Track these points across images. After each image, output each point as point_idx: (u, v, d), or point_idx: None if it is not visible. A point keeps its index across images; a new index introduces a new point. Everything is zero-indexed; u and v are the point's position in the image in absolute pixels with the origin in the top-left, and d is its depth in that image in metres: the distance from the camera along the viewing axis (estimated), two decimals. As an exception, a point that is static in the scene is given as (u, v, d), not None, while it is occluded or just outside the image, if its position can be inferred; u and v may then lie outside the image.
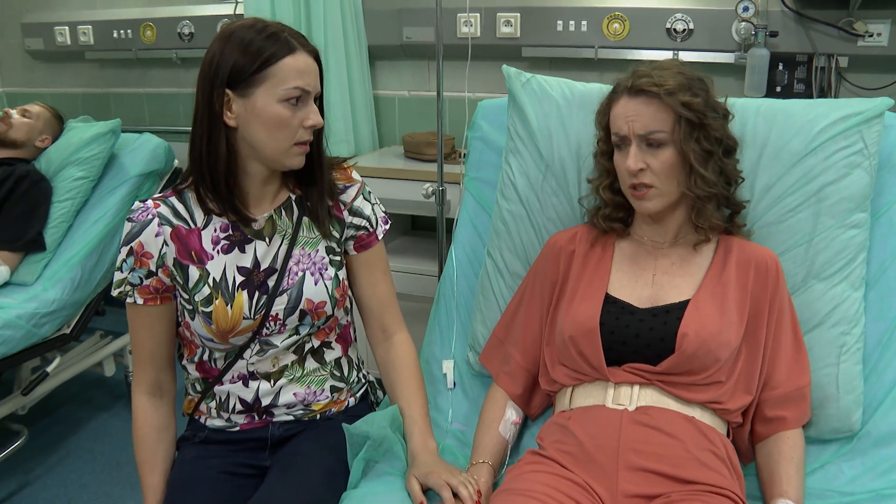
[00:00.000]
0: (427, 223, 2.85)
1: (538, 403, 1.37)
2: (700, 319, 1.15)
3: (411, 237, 2.80)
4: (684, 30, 2.27)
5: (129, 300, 1.26)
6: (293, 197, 1.32)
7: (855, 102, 1.33)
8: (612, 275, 1.27)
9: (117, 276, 1.26)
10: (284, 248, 1.29)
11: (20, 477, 2.26)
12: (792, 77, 2.16)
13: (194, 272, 1.24)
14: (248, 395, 1.32)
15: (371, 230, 1.37)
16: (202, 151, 1.20)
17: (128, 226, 1.24)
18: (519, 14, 2.50)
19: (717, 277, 1.21)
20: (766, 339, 1.20)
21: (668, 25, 2.28)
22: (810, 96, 2.16)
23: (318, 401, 1.36)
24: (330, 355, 1.38)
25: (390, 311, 1.41)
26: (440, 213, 2.07)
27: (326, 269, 1.31)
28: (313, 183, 1.30)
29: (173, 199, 1.26)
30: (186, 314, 1.27)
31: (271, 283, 1.27)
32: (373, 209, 1.38)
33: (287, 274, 1.28)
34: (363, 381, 1.48)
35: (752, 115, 1.36)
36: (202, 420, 1.37)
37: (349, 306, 1.41)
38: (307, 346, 1.34)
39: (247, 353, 1.30)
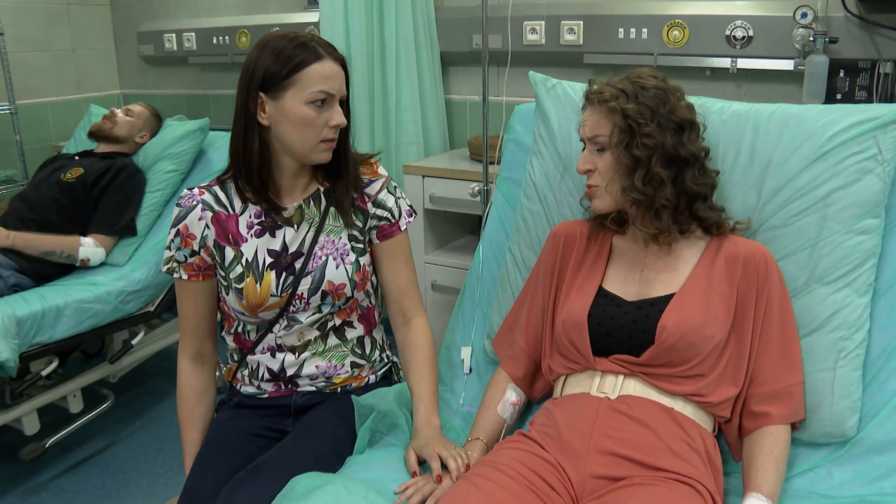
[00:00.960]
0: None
1: (540, 387, 1.44)
2: (681, 312, 1.19)
3: (477, 237, 2.89)
4: (744, 37, 2.26)
5: (175, 276, 1.43)
6: (322, 189, 1.45)
7: (872, 108, 1.33)
8: (607, 270, 1.33)
9: (166, 254, 1.43)
10: (311, 234, 1.42)
11: (109, 437, 2.53)
12: (853, 84, 2.11)
13: (229, 252, 1.40)
14: (275, 365, 1.46)
15: (393, 221, 1.48)
16: (239, 148, 1.36)
17: (176, 210, 1.41)
18: (582, 22, 2.56)
19: (704, 272, 1.25)
20: (753, 333, 1.23)
21: (728, 32, 2.28)
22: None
23: (339, 374, 1.48)
24: (351, 333, 1.50)
25: (410, 297, 1.52)
26: (485, 211, 2.15)
27: (348, 255, 1.43)
28: (340, 176, 1.43)
29: (216, 188, 1.42)
30: (223, 290, 1.43)
31: (298, 265, 1.41)
32: (396, 202, 1.49)
33: (312, 258, 1.41)
34: (386, 361, 1.59)
35: (765, 120, 1.38)
36: (238, 387, 1.52)
37: (371, 290, 1.53)
38: (329, 324, 1.47)
39: (276, 328, 1.44)
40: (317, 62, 1.31)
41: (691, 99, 1.33)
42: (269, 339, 1.45)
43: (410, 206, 1.53)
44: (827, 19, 2.14)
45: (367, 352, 1.53)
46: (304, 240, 1.42)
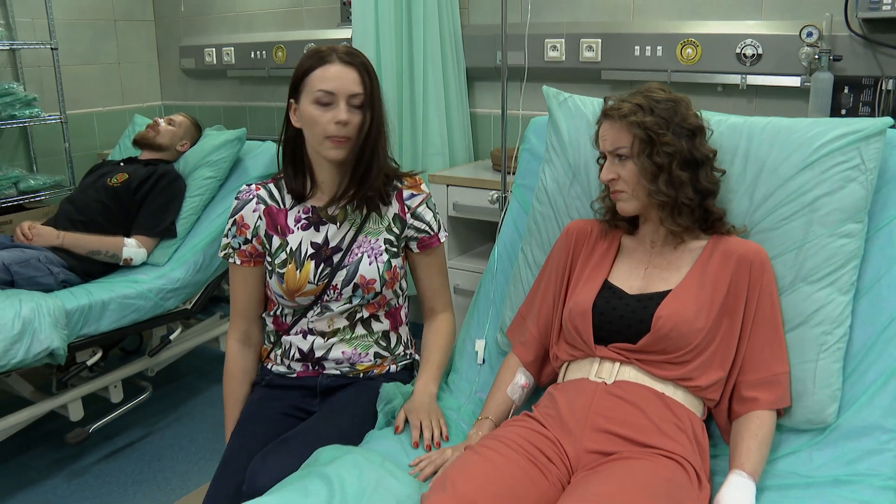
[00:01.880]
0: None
1: (548, 373, 1.55)
2: (676, 305, 1.31)
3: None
4: (753, 55, 2.36)
5: (230, 260, 1.60)
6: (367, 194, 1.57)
7: (857, 121, 1.43)
8: (614, 265, 1.45)
9: (223, 241, 1.61)
10: (352, 233, 1.57)
11: (146, 427, 2.69)
12: (857, 100, 2.21)
13: (276, 241, 1.57)
14: (305, 346, 1.60)
15: (433, 234, 1.63)
16: (284, 149, 1.55)
17: (234, 202, 1.60)
18: (600, 40, 2.68)
19: (700, 270, 1.36)
20: (744, 324, 1.34)
21: (738, 50, 2.39)
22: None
23: (362, 362, 1.62)
24: (377, 326, 1.63)
25: (440, 298, 1.69)
26: (502, 218, 2.27)
27: (381, 255, 1.57)
28: (363, 181, 1.55)
29: (271, 185, 1.60)
30: (268, 275, 1.59)
31: (336, 258, 1.56)
32: (434, 216, 1.64)
33: (349, 254, 1.56)
34: (409, 357, 1.72)
35: (759, 132, 1.49)
36: (269, 366, 1.67)
37: (400, 291, 1.66)
38: (358, 315, 1.61)
39: (310, 313, 1.58)
40: (321, 66, 1.47)
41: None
42: (303, 323, 1.60)
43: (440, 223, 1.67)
44: (832, 38, 2.24)
45: (392, 345, 1.66)
46: (344, 237, 1.57)
